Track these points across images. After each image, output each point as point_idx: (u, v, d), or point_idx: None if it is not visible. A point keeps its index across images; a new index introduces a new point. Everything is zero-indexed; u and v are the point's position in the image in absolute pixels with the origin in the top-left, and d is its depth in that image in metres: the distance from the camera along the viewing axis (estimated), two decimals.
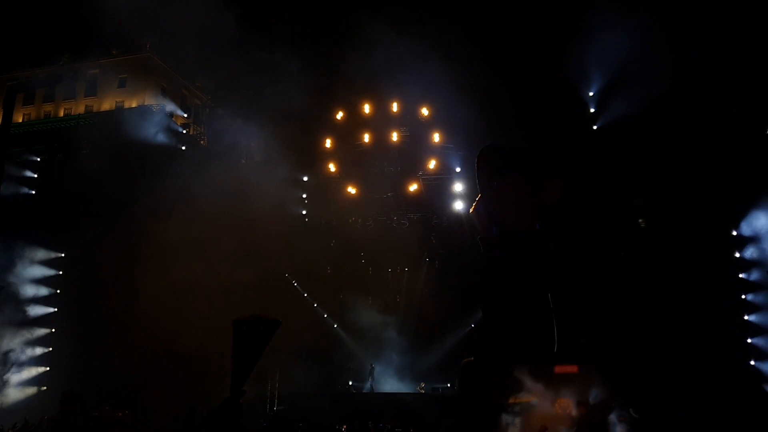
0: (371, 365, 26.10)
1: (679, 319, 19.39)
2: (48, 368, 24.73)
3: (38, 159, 27.87)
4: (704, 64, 18.92)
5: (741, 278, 19.99)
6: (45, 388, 24.23)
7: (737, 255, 20.17)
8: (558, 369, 13.13)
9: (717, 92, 19.69)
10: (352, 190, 26.41)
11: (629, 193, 22.16)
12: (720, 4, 19.78)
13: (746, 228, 19.97)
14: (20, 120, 34.86)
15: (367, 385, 25.45)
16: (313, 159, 27.12)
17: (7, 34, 40.79)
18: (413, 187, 25.83)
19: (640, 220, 22.29)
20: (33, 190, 27.28)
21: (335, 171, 26.57)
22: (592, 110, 23.14)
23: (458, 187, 25.42)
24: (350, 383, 26.91)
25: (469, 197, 25.38)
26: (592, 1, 22.66)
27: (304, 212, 27.65)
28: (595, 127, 23.00)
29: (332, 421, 18.78)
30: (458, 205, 25.53)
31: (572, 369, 13.26)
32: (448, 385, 25.52)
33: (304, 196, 27.80)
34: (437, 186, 26.14)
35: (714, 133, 20.03)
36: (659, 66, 19.62)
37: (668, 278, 19.97)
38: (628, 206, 22.19)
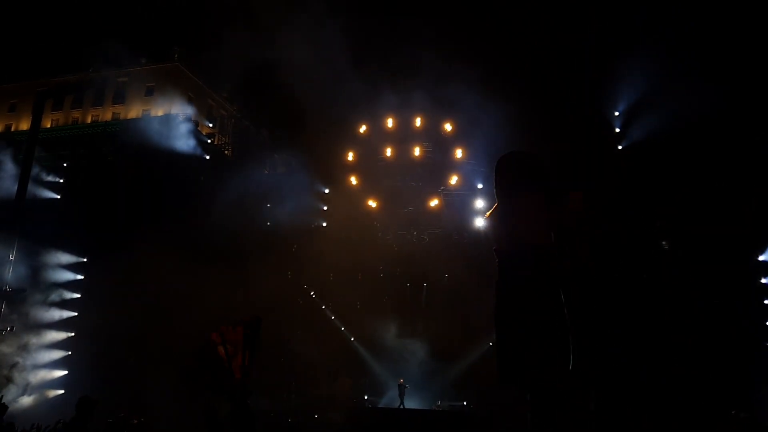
0: (401, 382, 25.40)
1: (701, 343, 19.08)
2: (66, 372, 24.92)
3: (65, 164, 28.26)
4: (732, 85, 18.72)
5: (766, 305, 19.61)
6: (63, 391, 24.40)
7: (763, 281, 19.79)
8: None
9: (744, 115, 19.45)
10: (372, 203, 26.38)
11: (653, 214, 21.90)
12: (745, 27, 19.60)
13: None
14: (48, 125, 35.41)
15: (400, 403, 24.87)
16: (335, 171, 27.18)
17: (37, 41, 41.69)
18: (434, 202, 25.73)
19: (663, 242, 22.00)
20: (58, 194, 27.63)
21: (357, 184, 26.57)
22: (617, 130, 22.95)
23: (480, 203, 25.29)
24: (366, 397, 26.73)
25: None
26: (619, 22, 22.60)
27: (324, 224, 27.68)
28: (620, 147, 22.79)
29: None
30: (480, 222, 25.38)
31: None
32: (465, 402, 25.24)
33: (325, 208, 27.85)
34: (459, 202, 26.02)
35: (740, 156, 19.76)
36: (685, 87, 19.44)
37: (690, 302, 19.66)
38: (651, 227, 21.93)
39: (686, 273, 20.46)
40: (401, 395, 24.42)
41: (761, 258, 19.95)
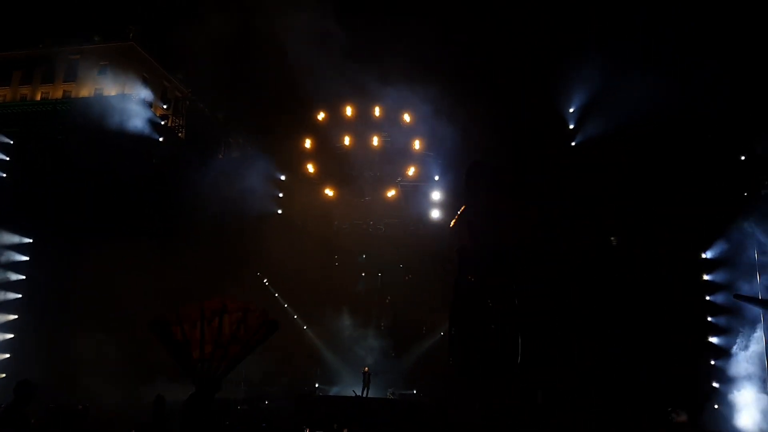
0: (366, 370, 25.19)
1: (645, 338, 19.57)
2: (8, 355, 24.21)
3: (11, 142, 27.32)
4: (683, 86, 19.17)
5: (708, 300, 20.21)
6: (4, 375, 23.71)
7: (706, 278, 20.40)
8: None
9: (694, 116, 19.95)
10: (329, 192, 26.32)
11: (602, 210, 22.34)
12: (700, 29, 20.08)
13: (716, 251, 20.24)
14: None
15: (364, 391, 24.78)
16: (292, 158, 26.98)
17: None
18: (391, 193, 25.82)
19: (612, 238, 22.49)
20: (4, 172, 26.71)
21: (314, 172, 26.44)
22: (571, 126, 23.33)
23: (436, 195, 25.48)
24: (317, 385, 26.73)
25: (446, 206, 25.47)
26: (575, 19, 22.94)
27: (279, 211, 27.46)
28: (573, 144, 23.18)
29: (297, 423, 18.62)
30: (435, 213, 25.57)
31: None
32: (415, 392, 25.49)
33: (281, 195, 27.62)
34: (415, 193, 26.15)
35: (690, 155, 20.29)
36: (639, 86, 19.83)
37: (637, 297, 20.15)
38: (601, 224, 22.38)
39: (633, 270, 20.97)
40: (366, 383, 24.38)
41: (705, 255, 20.55)
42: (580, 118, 22.85)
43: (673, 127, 20.15)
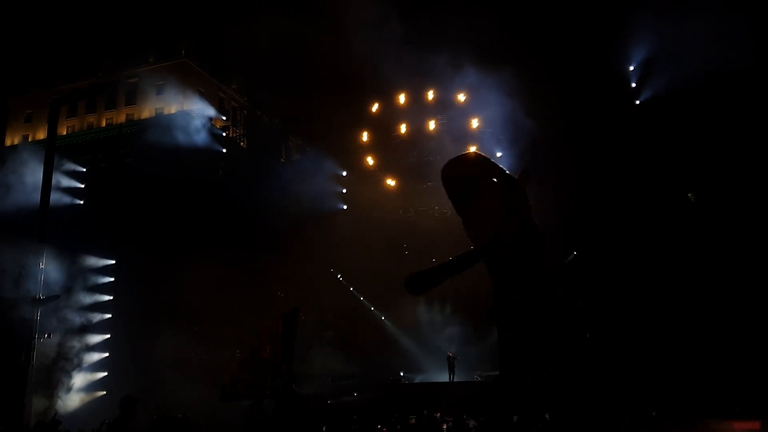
0: (451, 355, 25.25)
1: (728, 306, 18.47)
2: (106, 373, 25.32)
3: (84, 169, 28.49)
4: (750, 41, 18.11)
5: None
6: (104, 392, 24.81)
7: None
8: (737, 425, 12.37)
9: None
10: (391, 182, 26.30)
11: (673, 170, 21.45)
12: None
13: None
14: (64, 132, 35.70)
15: (450, 376, 24.84)
16: (351, 153, 27.10)
17: (44, 51, 41.94)
18: None
19: (689, 194, 21.58)
20: (81, 200, 27.89)
21: (373, 164, 26.46)
22: (633, 85, 22.51)
23: None
24: (401, 374, 26.83)
25: None
26: None
27: (344, 207, 27.63)
28: (637, 102, 22.37)
29: (386, 412, 18.74)
30: None
31: (754, 425, 12.45)
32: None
33: (344, 190, 27.78)
34: None
35: (759, 108, 19.19)
36: (702, 41, 18.83)
37: (715, 261, 19.13)
38: (672, 186, 21.49)
39: (710, 233, 19.95)
40: (451, 368, 24.40)
41: None
42: (643, 76, 21.98)
43: (742, 81, 18.97)
